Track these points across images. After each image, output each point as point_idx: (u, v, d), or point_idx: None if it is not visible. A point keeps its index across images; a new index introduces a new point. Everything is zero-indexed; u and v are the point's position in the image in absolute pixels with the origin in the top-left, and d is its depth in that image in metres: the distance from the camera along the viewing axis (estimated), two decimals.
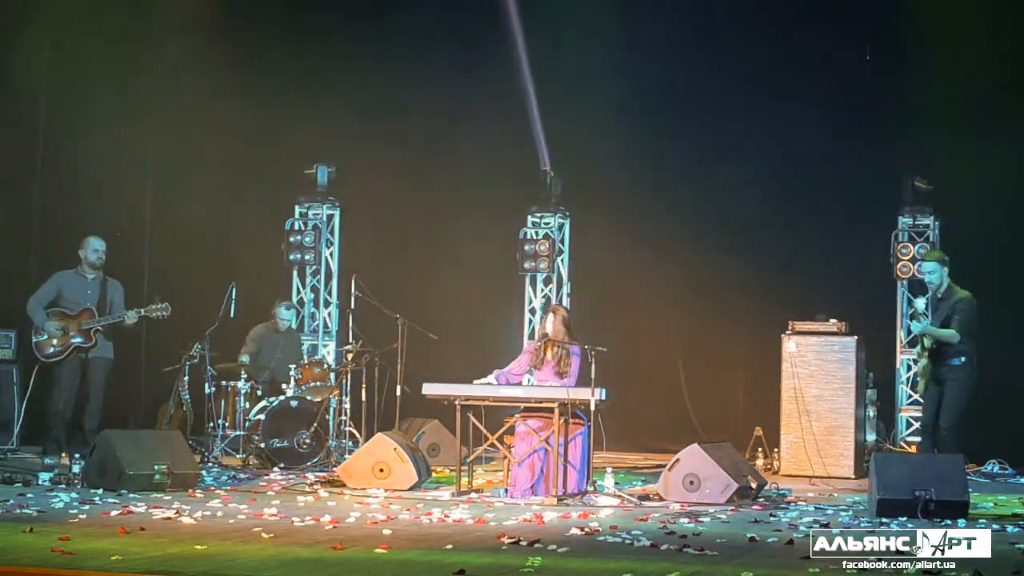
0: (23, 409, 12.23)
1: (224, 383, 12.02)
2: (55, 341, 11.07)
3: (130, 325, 11.29)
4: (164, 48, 14.03)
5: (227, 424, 11.94)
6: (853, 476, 11.71)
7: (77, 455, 10.07)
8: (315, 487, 10.11)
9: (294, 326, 13.39)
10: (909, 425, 13.12)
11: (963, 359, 10.69)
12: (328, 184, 14.16)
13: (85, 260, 11.31)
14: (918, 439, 12.91)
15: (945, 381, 10.84)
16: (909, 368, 13.13)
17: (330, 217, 14.25)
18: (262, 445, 11.62)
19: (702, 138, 14.23)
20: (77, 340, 11.08)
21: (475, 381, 9.85)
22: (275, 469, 11.38)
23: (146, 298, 11.67)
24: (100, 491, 9.21)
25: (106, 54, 13.67)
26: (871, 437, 12.49)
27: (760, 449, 12.47)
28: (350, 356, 12.25)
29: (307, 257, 14.03)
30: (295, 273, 14.10)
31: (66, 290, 11.27)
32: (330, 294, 14.19)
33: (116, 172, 14.24)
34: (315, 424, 11.75)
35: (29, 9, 13.82)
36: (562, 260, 14.15)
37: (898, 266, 13.02)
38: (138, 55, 13.87)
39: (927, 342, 10.96)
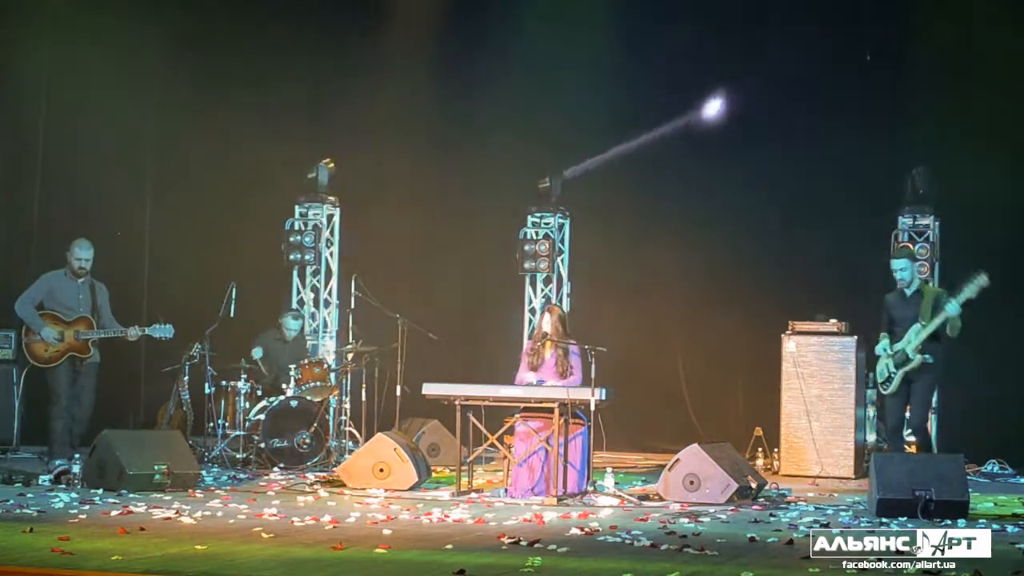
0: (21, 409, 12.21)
1: (224, 383, 12.01)
2: (51, 348, 10.75)
3: (129, 341, 11.14)
4: (164, 50, 14.02)
5: (227, 424, 11.93)
6: (853, 476, 11.71)
7: (77, 455, 10.07)
8: (315, 487, 10.11)
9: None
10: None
11: (934, 357, 10.16)
12: (328, 184, 14.15)
13: (70, 266, 10.91)
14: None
15: (917, 379, 10.08)
16: None
17: (330, 217, 14.23)
18: (262, 445, 11.61)
19: (702, 138, 14.23)
20: (74, 350, 10.77)
21: (516, 381, 9.95)
22: (275, 469, 11.39)
23: (146, 313, 11.57)
24: (100, 491, 9.22)
25: (106, 57, 13.66)
26: (871, 437, 12.48)
27: (760, 449, 12.47)
28: (350, 356, 12.24)
29: (307, 257, 14.00)
30: (295, 273, 14.08)
31: (57, 293, 10.86)
32: (330, 294, 14.16)
33: (116, 173, 14.25)
34: (315, 424, 11.74)
35: (30, 11, 13.83)
36: (562, 260, 14.14)
37: None
38: (138, 57, 13.86)
39: (917, 339, 10.38)
